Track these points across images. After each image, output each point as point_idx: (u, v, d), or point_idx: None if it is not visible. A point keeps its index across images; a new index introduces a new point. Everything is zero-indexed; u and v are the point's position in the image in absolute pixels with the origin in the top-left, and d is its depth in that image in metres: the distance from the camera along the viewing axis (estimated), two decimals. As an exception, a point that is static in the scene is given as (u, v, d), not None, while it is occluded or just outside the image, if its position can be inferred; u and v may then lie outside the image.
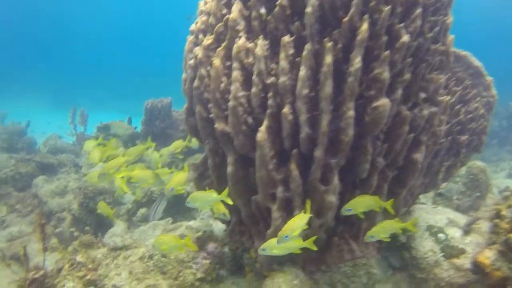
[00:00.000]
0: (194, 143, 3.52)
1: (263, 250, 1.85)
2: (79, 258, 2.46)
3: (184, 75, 2.22)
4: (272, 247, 1.84)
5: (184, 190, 2.76)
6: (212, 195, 2.08)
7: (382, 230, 2.00)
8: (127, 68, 24.44)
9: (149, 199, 3.91)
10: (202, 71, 1.98)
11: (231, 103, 1.83)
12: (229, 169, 2.00)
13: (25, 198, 4.92)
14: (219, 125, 1.93)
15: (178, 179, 2.42)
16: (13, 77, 21.65)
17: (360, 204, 1.95)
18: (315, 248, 1.90)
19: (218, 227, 2.99)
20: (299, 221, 1.81)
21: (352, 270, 2.28)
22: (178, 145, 3.75)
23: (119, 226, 3.94)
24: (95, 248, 2.60)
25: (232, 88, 1.82)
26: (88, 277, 2.40)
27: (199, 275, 2.21)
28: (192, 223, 3.07)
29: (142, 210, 4.07)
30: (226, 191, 2.05)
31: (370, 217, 2.19)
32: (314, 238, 1.87)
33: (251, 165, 2.03)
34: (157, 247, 2.09)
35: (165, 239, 2.09)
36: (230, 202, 2.12)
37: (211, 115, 2.00)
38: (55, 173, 5.55)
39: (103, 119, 8.32)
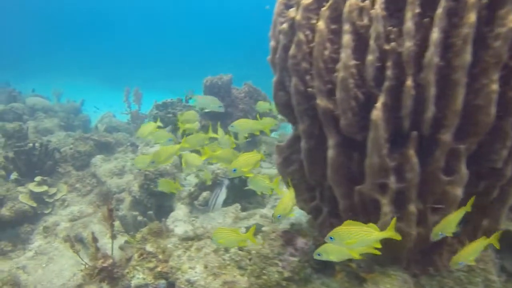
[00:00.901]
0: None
1: (319, 254, 1.71)
2: (148, 247, 2.29)
3: (272, 43, 1.94)
4: (329, 251, 1.70)
5: (252, 172, 2.50)
6: (265, 181, 2.19)
7: (471, 252, 1.69)
8: (176, 48, 24.48)
9: (213, 183, 3.71)
10: (301, 36, 1.68)
11: (341, 74, 1.53)
12: (330, 153, 1.72)
13: (84, 177, 4.89)
14: (321, 101, 1.64)
15: (244, 160, 2.22)
16: (65, 57, 22.30)
17: (451, 222, 1.64)
18: (377, 253, 1.64)
19: (295, 217, 2.74)
20: (365, 235, 1.56)
21: (467, 276, 1.94)
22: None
23: (181, 210, 3.79)
24: (165, 237, 2.41)
25: (343, 55, 1.52)
26: (159, 269, 2.22)
27: (286, 274, 1.97)
28: (266, 211, 2.84)
29: (204, 194, 3.89)
30: (276, 181, 2.11)
31: (492, 214, 1.85)
32: (376, 244, 1.61)
33: (355, 150, 1.74)
34: (214, 240, 1.94)
35: (223, 232, 1.93)
36: (279, 192, 2.21)
37: (310, 89, 1.71)
38: (112, 152, 5.51)
39: (153, 98, 8.28)
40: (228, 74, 5.34)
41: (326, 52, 1.61)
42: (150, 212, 3.28)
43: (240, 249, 2.25)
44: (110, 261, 2.26)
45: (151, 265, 2.23)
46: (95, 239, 2.29)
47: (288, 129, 6.71)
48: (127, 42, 25.48)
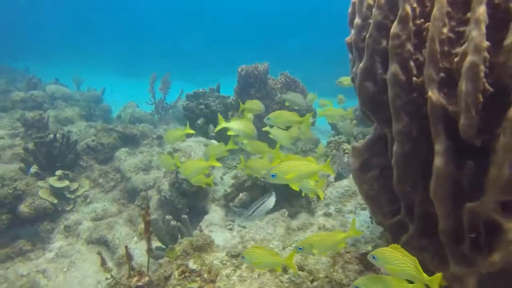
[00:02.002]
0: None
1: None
2: (192, 264, 1.99)
3: (357, 20, 1.60)
4: (369, 285, 1.51)
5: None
6: (310, 182, 2.06)
7: None
8: (192, 37, 24.23)
9: (253, 184, 3.40)
10: (407, 9, 1.34)
11: (470, 59, 1.18)
12: (438, 161, 1.37)
13: (107, 172, 4.64)
14: (433, 94, 1.30)
15: (291, 166, 1.86)
16: (83, 45, 22.24)
17: None
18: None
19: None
20: (412, 269, 1.41)
21: None
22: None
23: (216, 213, 3.50)
24: (209, 251, 2.11)
25: (474, 34, 1.17)
26: (204, 289, 1.91)
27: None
28: (323, 220, 2.51)
29: (240, 195, 3.59)
30: (321, 183, 2.06)
31: None
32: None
33: (469, 157, 1.40)
34: (247, 260, 1.70)
35: (257, 252, 1.68)
36: (321, 196, 2.09)
37: (415, 79, 1.37)
38: (137, 145, 5.24)
39: (173, 88, 7.99)
40: (264, 63, 5.00)
41: (445, 30, 1.27)
42: (185, 216, 2.99)
43: (301, 269, 1.94)
44: (146, 279, 1.97)
45: (195, 285, 1.93)
46: (129, 256, 1.99)
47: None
48: (145, 31, 25.34)
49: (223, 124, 2.68)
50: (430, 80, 1.30)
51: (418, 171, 1.56)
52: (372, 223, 2.25)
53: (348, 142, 3.82)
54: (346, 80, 3.83)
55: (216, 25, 25.72)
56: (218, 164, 2.61)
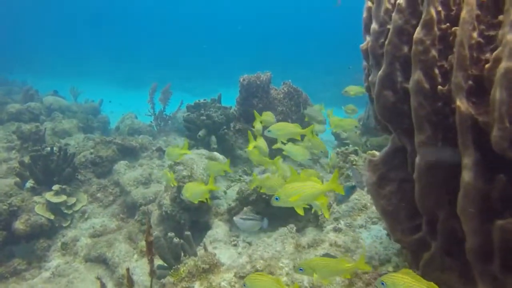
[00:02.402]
0: None
1: None
2: (198, 287, 1.88)
3: (374, 26, 1.52)
4: None
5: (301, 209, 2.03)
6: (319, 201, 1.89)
7: None
8: (191, 48, 24.26)
9: (258, 197, 3.30)
10: (432, 13, 1.25)
11: (505, 65, 1.09)
12: (467, 175, 1.28)
13: (106, 185, 4.53)
14: (462, 103, 1.21)
15: (296, 189, 1.76)
16: (79, 56, 22.19)
17: None
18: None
19: (367, 242, 2.32)
20: None
21: None
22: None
23: (219, 228, 3.40)
24: (216, 272, 2.00)
25: (510, 38, 1.08)
26: (212, 314, 1.81)
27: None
28: (334, 237, 2.41)
29: (245, 209, 3.49)
30: (325, 202, 1.86)
31: None
32: None
33: (499, 171, 1.30)
34: None
35: (261, 280, 1.57)
36: (327, 214, 2.01)
37: (441, 87, 1.28)
38: (136, 158, 5.14)
39: (174, 99, 7.92)
40: (267, 72, 4.93)
41: (474, 34, 1.19)
42: (188, 233, 2.88)
43: (315, 290, 1.83)
44: (150, 302, 1.85)
45: (201, 309, 1.83)
46: (131, 280, 1.88)
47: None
48: (141, 41, 25.41)
49: (254, 143, 2.85)
50: (458, 88, 1.21)
51: (442, 185, 1.46)
52: (389, 238, 2.15)
53: (356, 153, 3.72)
54: (352, 89, 3.75)
55: (215, 36, 25.83)
56: (216, 188, 3.08)
